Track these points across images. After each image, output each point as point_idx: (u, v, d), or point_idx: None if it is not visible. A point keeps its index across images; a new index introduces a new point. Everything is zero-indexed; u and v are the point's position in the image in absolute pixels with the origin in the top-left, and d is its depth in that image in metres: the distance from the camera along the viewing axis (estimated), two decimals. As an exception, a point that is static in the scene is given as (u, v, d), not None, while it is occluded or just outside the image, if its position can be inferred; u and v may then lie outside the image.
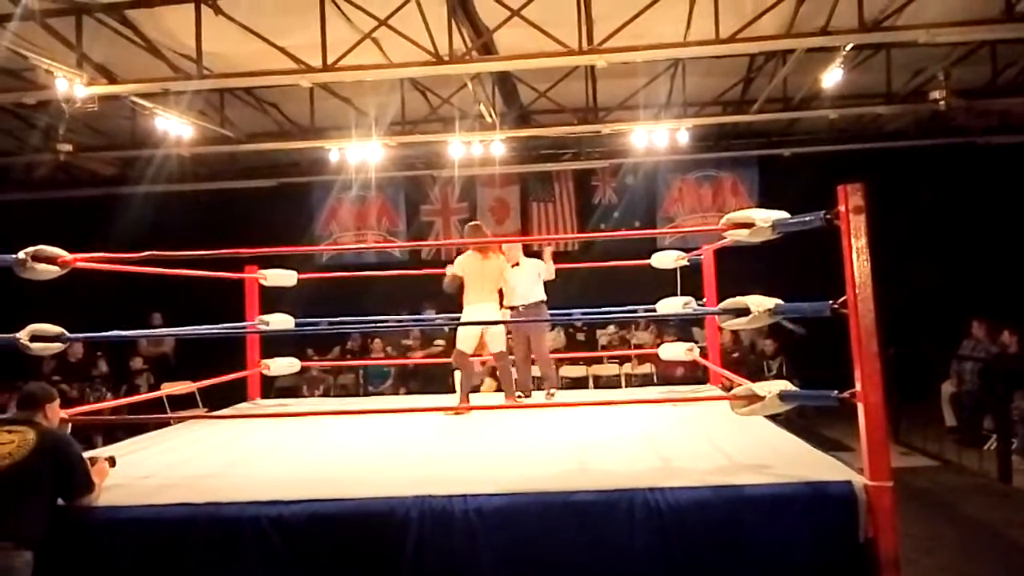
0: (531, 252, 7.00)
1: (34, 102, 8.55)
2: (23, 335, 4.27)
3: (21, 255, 4.23)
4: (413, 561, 3.32)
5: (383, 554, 3.34)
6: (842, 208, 3.42)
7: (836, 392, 3.51)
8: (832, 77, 8.38)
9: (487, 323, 6.16)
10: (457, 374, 6.31)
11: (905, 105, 10.02)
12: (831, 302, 3.51)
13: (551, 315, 7.13)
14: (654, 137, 10.45)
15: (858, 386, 3.39)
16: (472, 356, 6.37)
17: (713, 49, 7.54)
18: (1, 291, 6.50)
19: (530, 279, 6.52)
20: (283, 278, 7.02)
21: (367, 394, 10.63)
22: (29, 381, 4.22)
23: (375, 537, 3.36)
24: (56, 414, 3.71)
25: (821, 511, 3.32)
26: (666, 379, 9.51)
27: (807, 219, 3.64)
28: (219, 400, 7.13)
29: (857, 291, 3.37)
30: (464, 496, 3.41)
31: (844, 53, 7.92)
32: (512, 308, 6.49)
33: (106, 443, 5.71)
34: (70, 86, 7.48)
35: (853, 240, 3.39)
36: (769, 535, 3.30)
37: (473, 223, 6.85)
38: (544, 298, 6.57)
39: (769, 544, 3.29)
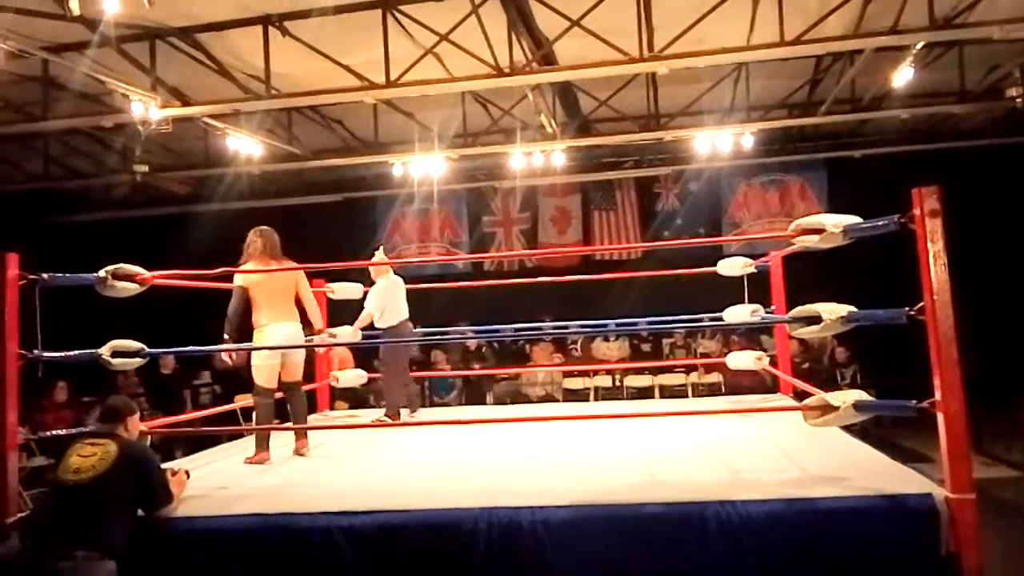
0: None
1: (111, 125, 8.90)
2: (105, 351, 4.42)
3: (102, 273, 4.39)
4: (481, 572, 3.33)
5: (452, 564, 3.36)
6: (917, 211, 3.33)
7: (915, 402, 3.39)
8: (903, 76, 8.15)
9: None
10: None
11: (979, 103, 9.66)
12: (908, 309, 3.40)
13: (617, 324, 7.04)
14: (718, 142, 10.30)
15: (937, 395, 3.28)
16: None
17: (778, 52, 7.39)
18: (84, 308, 6.76)
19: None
20: (349, 291, 7.16)
21: (432, 405, 10.72)
22: (111, 395, 4.36)
23: (444, 548, 3.38)
24: (136, 427, 3.84)
25: (900, 525, 3.22)
26: (734, 389, 9.35)
27: (881, 223, 3.54)
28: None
29: (935, 297, 3.27)
30: (532, 508, 3.41)
31: (915, 52, 7.69)
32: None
33: (186, 455, 5.87)
34: (145, 109, 7.77)
35: (930, 244, 3.29)
36: (846, 550, 3.21)
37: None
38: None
39: (846, 559, 3.20)
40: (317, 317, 5.69)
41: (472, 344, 11.51)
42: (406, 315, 6.69)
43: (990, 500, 5.91)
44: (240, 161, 10.39)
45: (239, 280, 5.19)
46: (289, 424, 5.40)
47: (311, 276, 6.94)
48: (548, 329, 9.88)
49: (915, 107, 9.82)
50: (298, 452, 5.16)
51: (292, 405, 5.40)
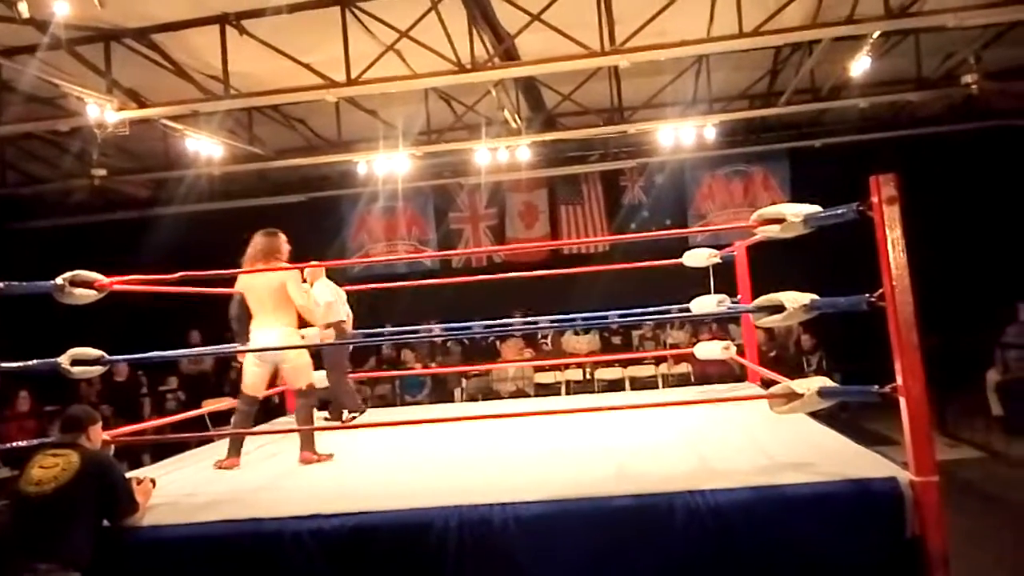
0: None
1: (67, 129, 8.74)
2: (64, 359, 4.34)
3: (59, 280, 4.31)
4: (454, 570, 3.31)
5: (424, 565, 3.34)
6: (875, 199, 3.36)
7: (877, 387, 3.44)
8: (860, 65, 8.26)
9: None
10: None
11: (937, 90, 9.85)
12: (868, 295, 3.44)
13: (584, 318, 7.03)
14: (681, 134, 10.38)
15: (899, 379, 3.32)
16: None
17: (738, 43, 7.47)
18: (41, 317, 6.63)
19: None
20: (317, 292, 7.06)
21: (403, 404, 10.67)
22: (72, 404, 4.29)
23: (416, 548, 3.36)
24: (99, 436, 3.77)
25: (866, 509, 3.26)
26: (703, 378, 9.43)
27: (840, 212, 3.58)
28: (259, 415, 7.20)
29: (894, 283, 3.31)
30: (503, 504, 3.40)
31: (871, 40, 7.80)
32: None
33: (153, 462, 5.79)
34: (101, 112, 7.63)
35: (888, 231, 3.32)
36: (813, 535, 3.24)
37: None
38: None
39: (813, 544, 3.23)
40: (314, 318, 5.55)
41: (439, 341, 11.49)
42: (346, 317, 6.47)
43: (954, 481, 6.01)
44: (201, 163, 10.26)
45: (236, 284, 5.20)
46: (255, 429, 5.32)
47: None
48: (518, 325, 9.90)
49: (873, 95, 9.97)
50: (301, 461, 4.90)
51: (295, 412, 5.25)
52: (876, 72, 8.73)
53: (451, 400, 10.79)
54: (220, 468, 4.84)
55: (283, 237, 5.23)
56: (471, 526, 3.35)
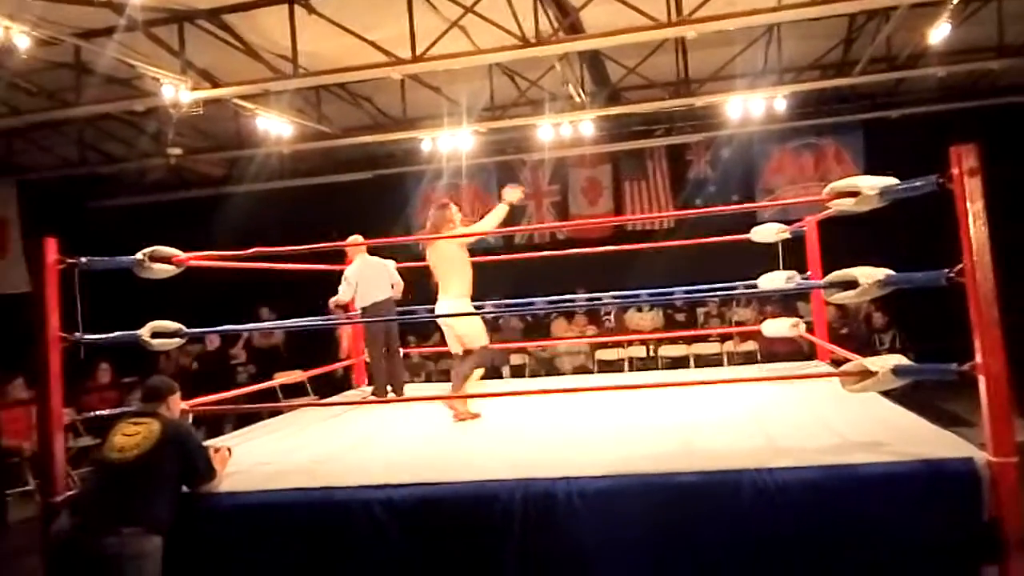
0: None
1: (143, 109, 9.00)
2: (144, 332, 4.49)
3: (139, 256, 4.45)
4: (519, 543, 3.35)
5: (490, 535, 3.38)
6: (955, 171, 3.24)
7: (955, 364, 3.33)
8: (939, 32, 7.94)
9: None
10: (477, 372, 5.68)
11: (1019, 58, 9.38)
12: (947, 270, 3.33)
13: (648, 294, 6.97)
14: (750, 106, 10.14)
15: (978, 357, 3.22)
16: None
17: (811, 11, 7.24)
18: (119, 291, 6.89)
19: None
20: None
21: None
22: (152, 375, 4.45)
23: (481, 520, 3.40)
24: (178, 405, 3.91)
25: (941, 490, 3.18)
26: (770, 356, 9.27)
27: (917, 184, 3.46)
28: (327, 388, 7.38)
29: (975, 257, 3.19)
30: (567, 479, 3.42)
31: (951, 6, 7.48)
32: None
33: (233, 431, 6.00)
34: (176, 92, 7.84)
35: (968, 204, 3.20)
36: (885, 516, 3.17)
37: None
38: None
39: (885, 525, 3.16)
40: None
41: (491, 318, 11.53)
42: (383, 295, 6.51)
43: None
44: (270, 141, 10.46)
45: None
46: (328, 400, 5.46)
47: (345, 253, 7.04)
48: (581, 301, 9.87)
49: (953, 64, 9.56)
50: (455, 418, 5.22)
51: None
52: (956, 40, 8.38)
53: (501, 377, 10.85)
54: (461, 420, 5.12)
55: (453, 208, 5.60)
56: (536, 500, 3.38)
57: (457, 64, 8.08)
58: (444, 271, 5.40)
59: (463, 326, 5.39)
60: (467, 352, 5.41)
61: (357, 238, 6.58)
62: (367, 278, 6.47)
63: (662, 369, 10.46)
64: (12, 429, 8.05)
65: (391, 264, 6.63)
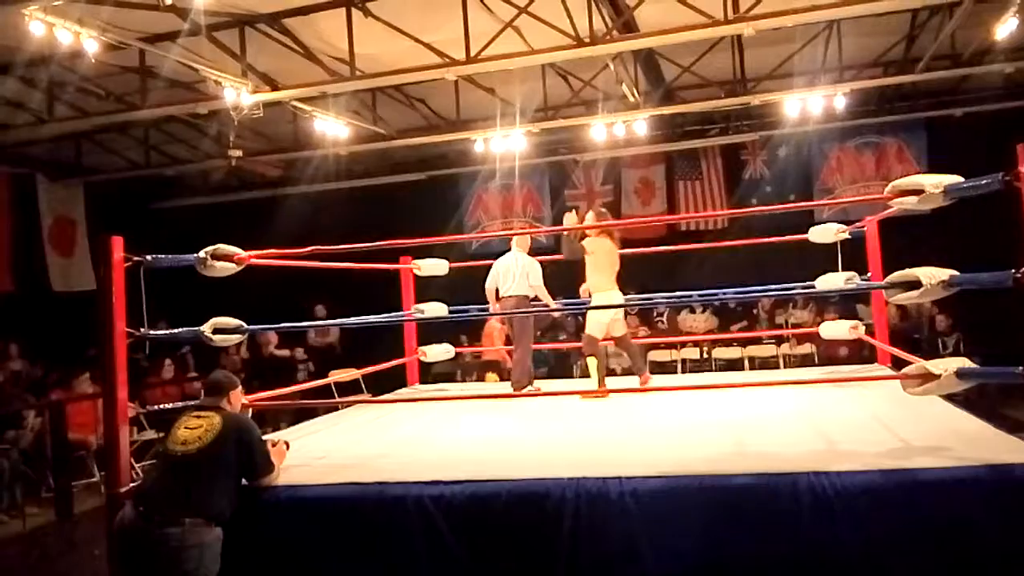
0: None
1: (206, 111, 9.22)
2: (207, 328, 4.61)
3: (202, 254, 4.57)
4: (570, 541, 3.35)
5: (540, 534, 3.39)
6: (1022, 168, 3.14)
7: (1021, 368, 3.23)
8: (1006, 28, 7.69)
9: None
10: (592, 360, 6.27)
11: (1091, 54, 9.04)
12: (1015, 271, 3.23)
13: (701, 295, 7.03)
14: (808, 104, 9.94)
15: (1046, 361, 3.12)
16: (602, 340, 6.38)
17: (872, 7, 7.07)
18: (180, 289, 7.08)
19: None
20: (436, 267, 7.27)
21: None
22: (215, 370, 4.56)
23: (532, 517, 3.41)
24: (239, 400, 4.01)
25: (1006, 496, 3.09)
26: (828, 360, 9.09)
27: (983, 182, 3.37)
28: (381, 386, 7.47)
29: (1043, 258, 3.10)
30: (620, 478, 3.40)
31: (1019, 1, 7.23)
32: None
33: (288, 427, 6.13)
34: (237, 95, 8.02)
35: (1037, 203, 3.11)
36: (948, 522, 3.09)
37: (601, 210, 6.97)
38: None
39: (948, 532, 3.09)
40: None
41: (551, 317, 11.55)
42: (515, 290, 6.74)
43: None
44: (327, 143, 10.62)
45: None
46: (372, 397, 5.53)
47: (398, 252, 7.13)
48: (634, 301, 9.80)
49: (1020, 60, 9.24)
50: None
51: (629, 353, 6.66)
52: (1022, 35, 8.10)
53: (569, 376, 10.83)
54: (596, 397, 5.77)
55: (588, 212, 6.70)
56: (588, 498, 3.37)
57: (511, 65, 8.10)
58: (595, 266, 6.24)
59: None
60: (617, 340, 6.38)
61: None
62: (502, 270, 6.75)
63: (716, 371, 10.33)
64: (78, 423, 8.32)
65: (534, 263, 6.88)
